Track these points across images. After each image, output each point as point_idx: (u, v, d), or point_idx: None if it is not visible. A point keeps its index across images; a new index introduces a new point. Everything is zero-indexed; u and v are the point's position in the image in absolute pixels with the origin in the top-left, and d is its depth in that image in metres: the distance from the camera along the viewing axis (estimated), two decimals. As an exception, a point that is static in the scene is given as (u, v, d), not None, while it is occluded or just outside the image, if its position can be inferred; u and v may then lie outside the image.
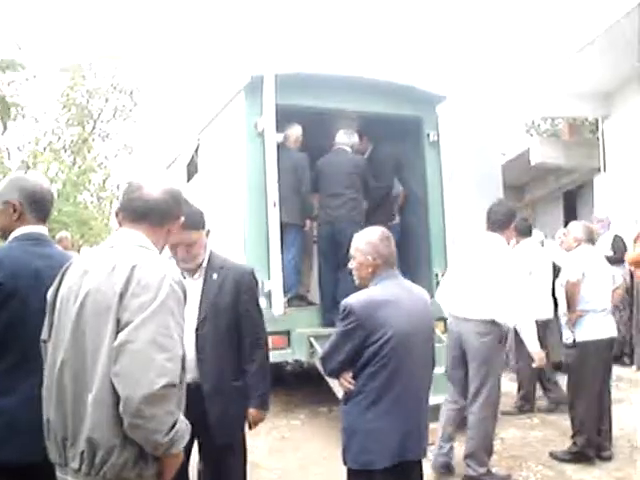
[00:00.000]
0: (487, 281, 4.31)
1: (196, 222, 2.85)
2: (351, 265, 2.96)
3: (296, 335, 5.76)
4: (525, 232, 6.21)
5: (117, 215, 2.13)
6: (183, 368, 1.92)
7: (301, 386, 6.87)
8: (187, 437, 1.89)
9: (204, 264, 2.94)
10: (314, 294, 6.67)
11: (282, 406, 6.31)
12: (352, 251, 2.95)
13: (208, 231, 3.00)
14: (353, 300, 2.77)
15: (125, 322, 1.81)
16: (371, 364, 2.70)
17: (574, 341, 4.64)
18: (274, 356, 5.82)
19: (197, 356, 2.82)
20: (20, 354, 2.26)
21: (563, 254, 6.14)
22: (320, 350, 5.47)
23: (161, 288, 1.84)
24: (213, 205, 6.50)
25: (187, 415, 1.96)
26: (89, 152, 18.18)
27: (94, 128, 18.70)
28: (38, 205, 2.46)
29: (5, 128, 2.66)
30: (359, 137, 6.40)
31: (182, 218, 2.20)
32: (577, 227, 4.97)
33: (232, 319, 2.91)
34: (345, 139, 6.24)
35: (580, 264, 4.67)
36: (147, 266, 1.89)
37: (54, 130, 17.84)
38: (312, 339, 5.70)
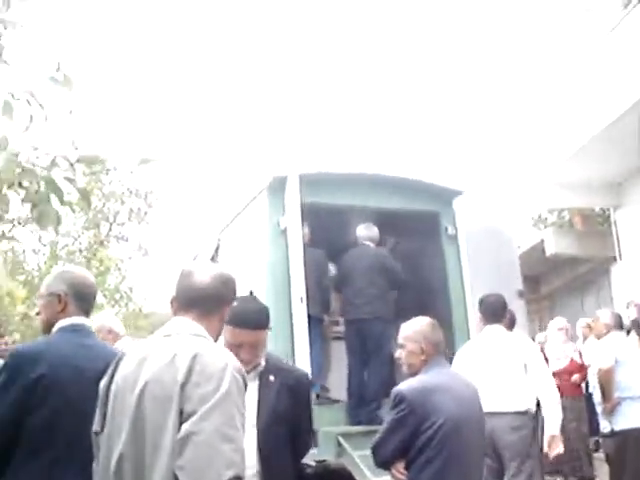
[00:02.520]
0: (515, 372, 4.27)
1: (263, 321, 2.75)
2: (399, 354, 2.97)
3: (323, 434, 5.61)
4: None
5: (171, 304, 2.13)
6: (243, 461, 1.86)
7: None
8: None
9: (262, 364, 2.77)
10: (337, 391, 6.56)
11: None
12: (401, 340, 2.97)
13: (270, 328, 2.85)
14: (404, 387, 2.77)
15: (188, 413, 1.77)
16: (425, 452, 2.64)
17: (612, 430, 4.52)
18: (299, 457, 5.71)
19: (261, 469, 2.61)
20: (60, 448, 2.23)
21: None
22: (350, 449, 5.34)
23: (224, 378, 1.81)
24: (235, 303, 6.52)
25: None
26: (104, 255, 18.47)
27: (110, 230, 19.09)
28: (82, 297, 2.53)
29: (60, 222, 2.75)
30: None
31: (234, 303, 2.19)
32: (606, 314, 4.97)
33: (290, 428, 2.73)
34: (366, 233, 6.33)
35: (612, 351, 4.63)
36: (208, 355, 1.87)
37: (71, 233, 18.23)
38: (340, 438, 5.55)
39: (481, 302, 4.68)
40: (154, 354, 1.93)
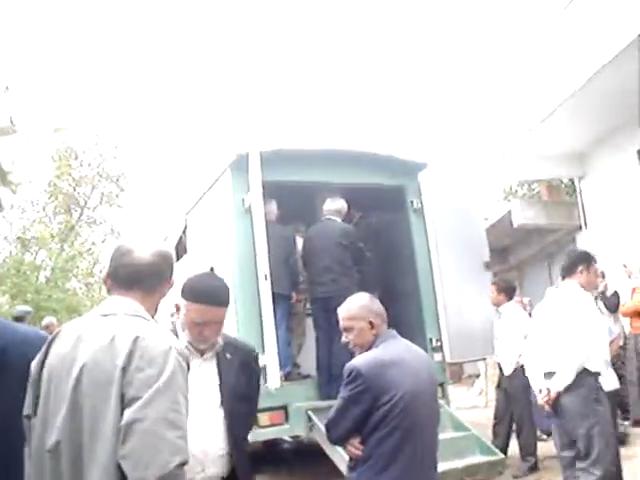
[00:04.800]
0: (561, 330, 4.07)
1: (227, 297, 2.62)
2: (346, 337, 2.87)
3: (294, 410, 5.66)
4: (508, 294, 6.30)
5: (105, 282, 2.02)
6: None
7: (301, 463, 6.72)
8: None
9: (220, 342, 2.62)
10: (307, 367, 6.62)
11: (283, 485, 6.16)
12: (346, 323, 2.86)
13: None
14: (359, 362, 2.68)
15: (130, 399, 1.69)
16: (380, 427, 2.59)
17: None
18: (272, 433, 5.74)
19: (228, 450, 2.52)
20: None
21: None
22: (320, 424, 5.39)
23: (167, 361, 1.74)
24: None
25: None
26: (76, 239, 18.31)
27: (81, 215, 18.89)
28: None
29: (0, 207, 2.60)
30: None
31: (173, 281, 2.08)
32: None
33: (249, 404, 2.66)
34: (331, 206, 6.31)
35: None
36: (150, 338, 1.78)
37: (41, 219, 18.01)
38: (311, 413, 5.61)
39: None
40: (91, 335, 1.83)
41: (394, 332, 2.88)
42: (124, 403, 1.69)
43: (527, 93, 8.78)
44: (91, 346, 1.79)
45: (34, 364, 1.92)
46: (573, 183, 10.68)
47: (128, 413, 1.67)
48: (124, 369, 1.72)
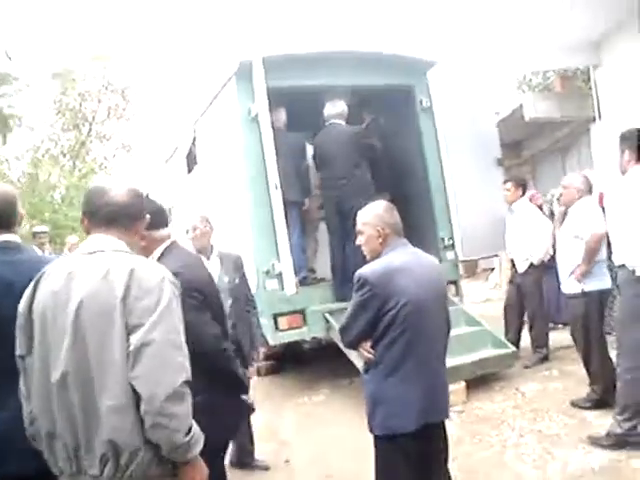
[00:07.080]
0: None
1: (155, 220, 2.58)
2: (359, 241, 2.96)
3: (311, 313, 5.84)
4: (524, 190, 6.30)
5: (83, 222, 2.11)
6: None
7: (321, 362, 6.99)
8: (202, 442, 1.90)
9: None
10: (322, 271, 6.75)
11: (304, 383, 6.44)
12: (359, 227, 2.96)
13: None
14: (367, 270, 2.79)
15: (133, 326, 1.82)
16: (389, 332, 2.73)
17: (582, 291, 4.63)
18: (291, 336, 5.95)
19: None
20: (4, 367, 2.18)
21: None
22: (336, 325, 5.57)
23: (163, 290, 1.88)
24: (216, 194, 6.58)
25: None
26: (88, 155, 18.30)
27: (90, 130, 18.78)
28: None
29: (5, 140, 2.61)
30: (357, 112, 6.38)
31: (146, 219, 2.19)
32: (577, 179, 4.88)
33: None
34: (333, 110, 6.22)
35: (601, 216, 4.51)
36: (144, 270, 1.91)
37: (50, 137, 17.94)
38: (327, 315, 5.78)
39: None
40: (83, 271, 1.92)
41: (404, 240, 2.94)
42: (127, 330, 1.82)
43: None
44: (85, 282, 1.89)
45: (22, 305, 2.00)
46: (588, 72, 10.34)
47: (135, 338, 1.81)
48: (124, 299, 1.84)
